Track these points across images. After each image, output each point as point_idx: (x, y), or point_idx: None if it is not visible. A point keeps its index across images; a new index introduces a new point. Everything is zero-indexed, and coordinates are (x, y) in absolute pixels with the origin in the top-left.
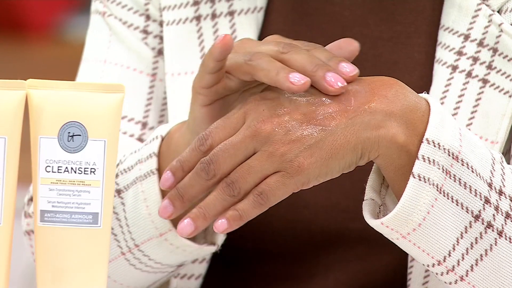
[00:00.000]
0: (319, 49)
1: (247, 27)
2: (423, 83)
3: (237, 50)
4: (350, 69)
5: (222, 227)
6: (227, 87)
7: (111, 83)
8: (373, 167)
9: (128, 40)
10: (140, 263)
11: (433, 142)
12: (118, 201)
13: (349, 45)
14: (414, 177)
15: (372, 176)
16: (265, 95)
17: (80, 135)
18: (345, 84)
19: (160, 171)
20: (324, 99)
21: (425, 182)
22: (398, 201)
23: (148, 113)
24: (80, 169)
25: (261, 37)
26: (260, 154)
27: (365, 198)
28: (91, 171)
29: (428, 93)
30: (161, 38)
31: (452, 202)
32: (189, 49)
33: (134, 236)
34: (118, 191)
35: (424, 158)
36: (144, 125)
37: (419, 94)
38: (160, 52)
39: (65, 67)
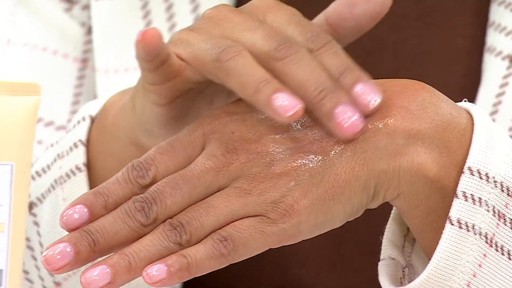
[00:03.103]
0: (329, 49)
1: (217, 1)
2: (467, 82)
3: (209, 29)
4: (371, 96)
5: (157, 276)
6: (190, 81)
7: (22, 82)
8: (392, 212)
9: (45, 11)
10: None
11: (479, 173)
12: (30, 221)
13: None
14: (453, 224)
15: (391, 225)
16: (234, 109)
17: None
18: (363, 125)
19: (90, 167)
20: None
21: (468, 230)
22: (430, 260)
23: (75, 115)
24: None
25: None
26: (229, 191)
27: (381, 257)
28: None
29: (474, 97)
30: None
31: (510, 259)
32: (131, 34)
33: None
34: (29, 205)
35: (466, 196)
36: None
37: (457, 103)
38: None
39: None
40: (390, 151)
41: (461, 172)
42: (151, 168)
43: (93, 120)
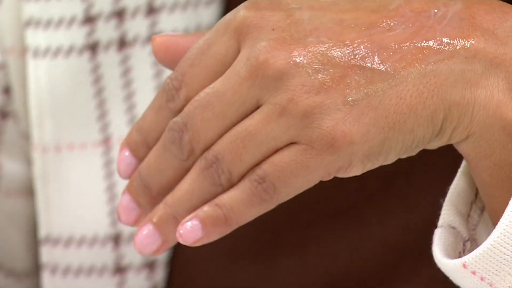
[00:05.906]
0: None
1: None
2: None
3: None
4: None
5: (191, 235)
6: None
7: None
8: (461, 166)
9: None
10: None
11: None
12: None
13: None
14: None
15: (456, 185)
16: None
17: None
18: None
19: None
20: (385, 21)
21: None
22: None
23: None
24: None
25: None
26: (268, 110)
27: (439, 224)
28: None
29: None
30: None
31: None
32: (78, 102)
33: None
34: None
35: None
36: None
37: None
38: (7, 91)
39: None
40: (467, 79)
41: None
42: (181, 86)
43: None
